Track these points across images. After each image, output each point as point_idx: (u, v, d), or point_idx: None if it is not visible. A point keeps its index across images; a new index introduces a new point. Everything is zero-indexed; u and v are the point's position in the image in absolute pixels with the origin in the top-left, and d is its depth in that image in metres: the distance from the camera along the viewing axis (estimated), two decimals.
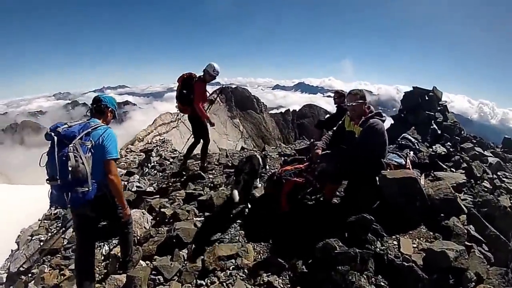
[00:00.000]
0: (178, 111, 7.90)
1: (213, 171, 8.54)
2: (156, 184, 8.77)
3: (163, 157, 12.64)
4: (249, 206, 5.49)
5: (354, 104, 4.78)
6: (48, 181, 3.54)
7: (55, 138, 3.51)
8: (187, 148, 8.42)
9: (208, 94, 7.76)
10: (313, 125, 9.58)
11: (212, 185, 7.38)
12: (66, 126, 3.67)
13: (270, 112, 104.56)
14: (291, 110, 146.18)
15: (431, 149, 7.14)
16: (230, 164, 8.63)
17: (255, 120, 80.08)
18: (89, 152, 3.57)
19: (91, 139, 3.63)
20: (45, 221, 8.50)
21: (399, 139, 7.46)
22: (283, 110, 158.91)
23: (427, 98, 12.78)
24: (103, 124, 3.88)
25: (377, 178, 4.78)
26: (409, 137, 7.53)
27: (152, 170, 10.85)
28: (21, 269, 6.31)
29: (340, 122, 5.46)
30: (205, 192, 6.90)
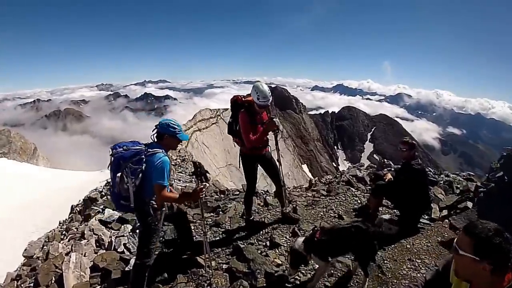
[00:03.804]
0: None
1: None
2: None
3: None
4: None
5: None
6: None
7: (112, 158, 4.29)
8: (245, 200, 6.52)
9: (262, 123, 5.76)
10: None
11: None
12: (124, 148, 4.30)
13: (309, 113, 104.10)
14: (330, 111, 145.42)
15: None
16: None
17: (294, 120, 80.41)
18: (138, 176, 4.18)
19: (144, 164, 4.19)
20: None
21: None
22: (322, 111, 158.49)
23: None
24: (160, 151, 4.28)
25: None
26: None
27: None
28: None
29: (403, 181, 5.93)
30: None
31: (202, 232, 5.65)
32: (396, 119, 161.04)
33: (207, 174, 5.33)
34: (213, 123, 40.65)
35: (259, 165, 6.08)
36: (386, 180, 6.06)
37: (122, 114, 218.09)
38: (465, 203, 6.58)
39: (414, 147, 5.96)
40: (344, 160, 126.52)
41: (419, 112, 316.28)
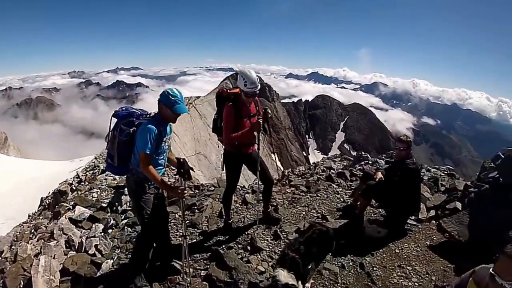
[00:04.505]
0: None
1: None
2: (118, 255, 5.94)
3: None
4: None
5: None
6: None
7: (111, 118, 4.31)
8: (223, 200, 6.05)
9: (249, 117, 5.26)
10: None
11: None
12: (123, 109, 4.38)
13: (282, 101, 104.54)
14: (303, 100, 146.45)
15: None
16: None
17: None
18: (126, 137, 4.17)
19: (134, 128, 4.17)
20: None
21: None
22: (295, 99, 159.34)
23: None
24: (150, 118, 4.21)
25: None
26: None
27: (122, 220, 7.59)
28: None
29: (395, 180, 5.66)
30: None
31: (180, 234, 5.47)
32: (370, 108, 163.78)
33: (191, 171, 4.78)
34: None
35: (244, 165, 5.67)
36: (377, 179, 5.72)
37: (94, 102, 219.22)
38: (454, 204, 6.40)
39: (411, 145, 5.71)
40: (315, 149, 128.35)
41: (394, 102, 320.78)
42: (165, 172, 6.36)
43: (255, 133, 5.33)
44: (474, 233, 5.51)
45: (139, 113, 4.30)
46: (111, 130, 4.28)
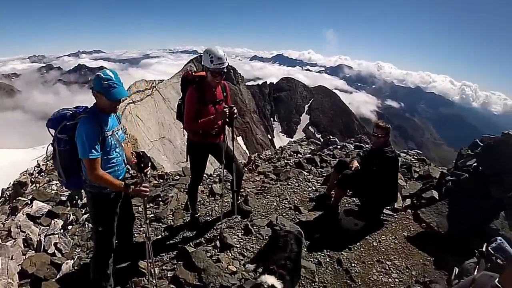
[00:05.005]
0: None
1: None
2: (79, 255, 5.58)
3: None
4: None
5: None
6: None
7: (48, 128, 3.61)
8: (188, 194, 5.69)
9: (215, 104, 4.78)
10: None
11: None
12: (54, 113, 3.60)
13: (246, 83, 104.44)
14: (268, 82, 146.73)
15: None
16: None
17: (230, 92, 79.28)
18: (65, 147, 3.51)
19: (70, 131, 3.45)
20: None
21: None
22: (260, 82, 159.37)
23: None
24: (85, 114, 3.43)
25: None
26: None
27: (82, 215, 7.16)
28: None
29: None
30: None
31: (144, 231, 5.21)
32: (335, 91, 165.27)
33: (150, 162, 4.33)
34: (148, 95, 39.36)
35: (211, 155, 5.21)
36: (353, 168, 5.43)
37: (55, 87, 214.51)
38: (431, 193, 6.18)
39: (390, 132, 5.39)
40: (280, 132, 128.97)
41: (359, 84, 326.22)
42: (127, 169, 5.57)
43: (220, 123, 4.87)
44: (454, 224, 5.34)
45: (72, 112, 3.53)
46: (50, 143, 3.61)
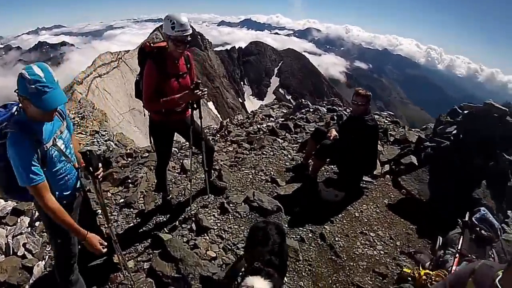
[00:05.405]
0: None
1: None
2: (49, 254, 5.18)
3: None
4: None
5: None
6: None
7: None
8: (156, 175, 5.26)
9: (179, 78, 4.17)
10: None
11: None
12: None
13: (215, 49, 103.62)
14: (236, 47, 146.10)
15: None
16: None
17: (199, 58, 79.01)
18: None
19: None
20: None
21: None
22: (228, 47, 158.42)
23: None
24: (12, 127, 2.50)
25: None
26: None
27: None
28: None
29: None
30: None
31: (115, 219, 5.05)
32: (304, 53, 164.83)
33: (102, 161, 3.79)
34: (114, 67, 38.46)
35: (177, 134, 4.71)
36: (331, 138, 5.19)
37: (16, 68, 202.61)
38: (410, 158, 6.05)
39: (370, 99, 5.13)
40: (251, 95, 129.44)
41: (328, 47, 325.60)
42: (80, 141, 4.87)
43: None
44: (435, 192, 5.26)
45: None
46: None
